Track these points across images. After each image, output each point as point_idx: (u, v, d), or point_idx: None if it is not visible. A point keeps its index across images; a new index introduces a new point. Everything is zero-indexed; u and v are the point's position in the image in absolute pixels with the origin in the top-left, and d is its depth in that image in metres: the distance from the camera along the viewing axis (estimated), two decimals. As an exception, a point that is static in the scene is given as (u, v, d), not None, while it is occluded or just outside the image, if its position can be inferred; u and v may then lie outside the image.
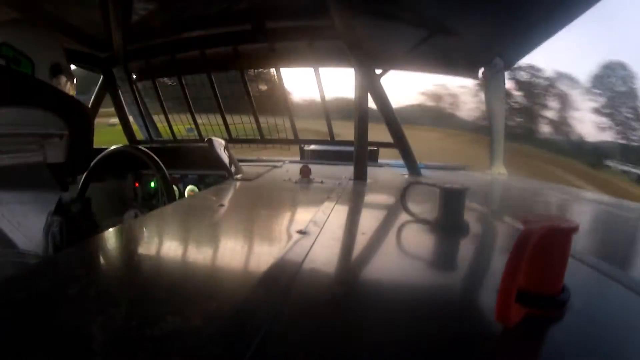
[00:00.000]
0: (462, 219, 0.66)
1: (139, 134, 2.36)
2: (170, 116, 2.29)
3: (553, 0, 1.15)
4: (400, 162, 1.66)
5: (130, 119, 2.28)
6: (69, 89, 0.79)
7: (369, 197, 1.11)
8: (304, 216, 0.78)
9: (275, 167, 1.75)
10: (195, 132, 2.32)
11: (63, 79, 0.77)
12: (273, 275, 0.42)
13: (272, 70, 2.07)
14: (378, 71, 1.48)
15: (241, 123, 2.23)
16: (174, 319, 0.30)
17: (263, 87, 2.25)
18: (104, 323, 0.30)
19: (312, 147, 2.40)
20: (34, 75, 0.70)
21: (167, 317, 0.31)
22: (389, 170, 1.82)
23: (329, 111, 2.13)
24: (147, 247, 0.57)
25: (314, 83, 2.03)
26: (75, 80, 0.82)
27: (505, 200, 1.29)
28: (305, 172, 1.32)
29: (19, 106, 0.64)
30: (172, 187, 1.17)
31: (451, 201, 0.66)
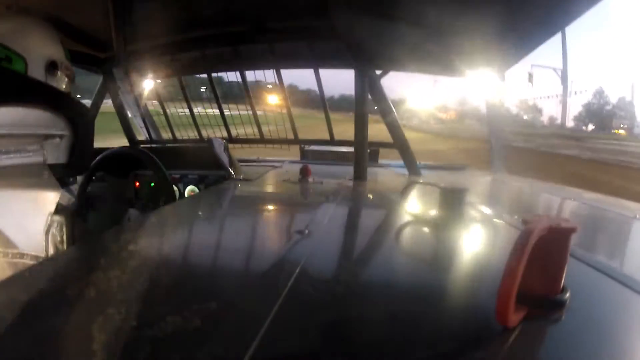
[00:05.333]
0: (462, 219, 0.66)
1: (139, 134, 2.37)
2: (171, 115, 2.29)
3: (553, 0, 1.15)
4: (400, 162, 1.66)
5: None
6: (67, 87, 0.79)
7: (369, 197, 1.11)
8: (304, 216, 0.78)
9: (275, 167, 1.75)
10: (196, 132, 2.32)
11: (60, 77, 0.76)
12: (273, 276, 0.42)
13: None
14: (378, 71, 1.48)
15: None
16: (174, 319, 0.30)
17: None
18: (104, 323, 0.30)
19: (313, 147, 2.40)
20: (27, 73, 0.70)
21: (167, 317, 0.31)
22: (389, 170, 1.82)
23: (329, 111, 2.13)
24: (147, 247, 0.57)
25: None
26: (74, 78, 0.81)
27: (505, 200, 1.29)
28: (305, 172, 1.32)
29: (17, 105, 0.64)
30: (172, 188, 1.17)
31: (451, 201, 0.66)
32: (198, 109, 2.27)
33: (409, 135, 1.67)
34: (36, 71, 0.71)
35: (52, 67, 0.74)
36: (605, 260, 0.51)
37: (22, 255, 0.62)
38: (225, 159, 1.38)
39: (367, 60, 1.41)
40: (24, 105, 0.65)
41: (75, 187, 1.19)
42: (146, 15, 1.53)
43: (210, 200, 0.94)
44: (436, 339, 0.31)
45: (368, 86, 1.41)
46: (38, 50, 0.72)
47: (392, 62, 1.53)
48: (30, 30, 0.74)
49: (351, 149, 1.54)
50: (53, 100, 0.71)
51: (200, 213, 0.82)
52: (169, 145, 2.28)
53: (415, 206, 0.74)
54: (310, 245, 0.53)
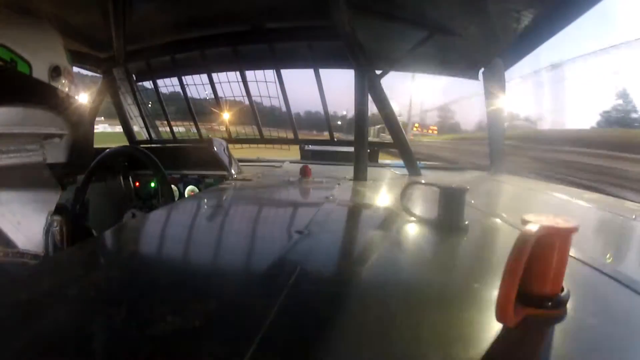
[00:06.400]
0: (462, 218, 0.66)
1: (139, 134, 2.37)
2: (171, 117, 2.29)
3: (553, 0, 1.15)
4: (400, 162, 1.66)
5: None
6: (70, 90, 0.79)
7: (369, 197, 1.11)
8: (304, 216, 0.78)
9: (275, 167, 1.75)
10: (196, 132, 2.33)
11: (64, 81, 0.76)
12: (273, 275, 0.42)
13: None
14: (378, 71, 1.48)
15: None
16: (174, 319, 0.30)
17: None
18: (104, 323, 0.30)
19: (313, 147, 2.40)
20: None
21: (167, 317, 0.31)
22: (389, 170, 1.82)
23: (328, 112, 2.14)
24: (147, 247, 0.57)
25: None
26: (75, 81, 0.81)
27: (505, 200, 1.29)
28: (305, 172, 1.32)
29: (18, 105, 0.64)
30: (171, 188, 1.17)
31: (451, 201, 0.66)
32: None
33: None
34: (40, 76, 0.72)
35: (55, 72, 0.74)
36: (605, 260, 0.51)
37: (22, 255, 0.62)
38: (225, 159, 1.38)
39: (367, 60, 1.41)
40: (25, 105, 0.65)
41: (75, 187, 1.19)
42: (146, 15, 1.53)
43: (210, 200, 0.94)
44: (436, 338, 0.31)
45: (368, 86, 1.41)
46: (43, 55, 0.72)
47: (392, 62, 1.53)
48: (36, 35, 0.74)
49: (351, 149, 1.54)
50: (54, 100, 0.72)
51: (200, 213, 0.82)
52: (169, 145, 2.28)
53: (415, 206, 0.74)
54: (310, 245, 0.53)
